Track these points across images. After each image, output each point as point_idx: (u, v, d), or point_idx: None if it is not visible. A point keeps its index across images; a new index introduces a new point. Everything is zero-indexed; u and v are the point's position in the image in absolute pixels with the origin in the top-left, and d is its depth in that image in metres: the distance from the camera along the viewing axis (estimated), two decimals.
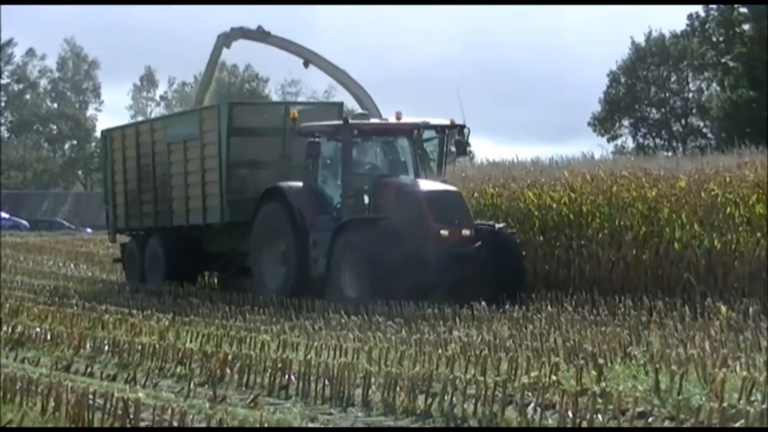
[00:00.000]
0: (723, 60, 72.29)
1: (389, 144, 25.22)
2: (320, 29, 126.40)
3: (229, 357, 14.00)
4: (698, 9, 74.89)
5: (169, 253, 28.60)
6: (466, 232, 22.69)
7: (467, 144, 25.13)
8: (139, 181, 30.27)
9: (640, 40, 77.58)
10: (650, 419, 9.90)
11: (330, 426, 10.59)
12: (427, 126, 24.68)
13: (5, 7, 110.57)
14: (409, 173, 24.78)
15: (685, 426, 8.10)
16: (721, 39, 72.59)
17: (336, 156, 24.40)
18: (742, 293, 20.81)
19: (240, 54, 33.70)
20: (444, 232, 22.36)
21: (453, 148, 24.89)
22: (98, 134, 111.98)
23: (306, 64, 34.44)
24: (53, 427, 8.29)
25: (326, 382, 12.38)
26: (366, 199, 24.02)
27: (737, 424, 9.11)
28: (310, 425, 10.30)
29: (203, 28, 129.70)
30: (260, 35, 34.87)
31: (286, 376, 12.94)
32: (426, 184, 23.99)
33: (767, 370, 11.85)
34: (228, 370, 13.64)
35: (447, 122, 24.67)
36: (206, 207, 27.37)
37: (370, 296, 20.98)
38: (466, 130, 24.45)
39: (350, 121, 24.64)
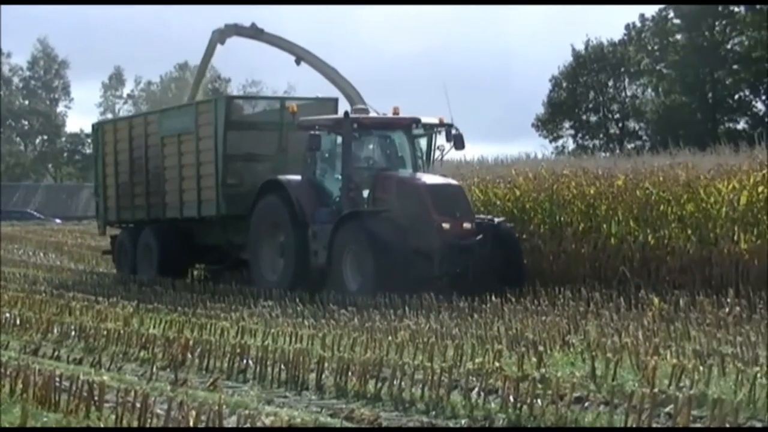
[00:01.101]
0: (657, 67, 72.73)
1: (388, 138, 24.42)
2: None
3: (191, 342, 13.95)
4: (635, 19, 75.25)
5: (163, 246, 27.48)
6: (467, 225, 21.99)
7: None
8: (131, 174, 29.19)
9: (581, 47, 77.79)
10: (586, 404, 9.94)
11: (286, 408, 10.57)
12: (434, 123, 23.90)
13: None
14: (408, 167, 23.98)
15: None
16: (656, 47, 73.07)
17: (335, 149, 23.68)
18: (674, 286, 20.92)
19: (230, 50, 32.82)
20: (446, 225, 21.65)
21: (449, 144, 23.92)
22: (68, 130, 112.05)
23: (298, 62, 33.24)
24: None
25: (282, 366, 12.35)
26: (365, 193, 23.16)
27: (667, 409, 9.15)
28: (267, 408, 10.25)
29: (170, 30, 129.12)
30: (254, 32, 33.72)
31: (244, 361, 12.91)
32: (428, 178, 23.23)
33: (695, 358, 11.92)
34: (189, 355, 13.58)
35: (437, 120, 23.89)
36: (201, 200, 26.38)
37: (373, 288, 20.36)
38: (453, 130, 23.60)
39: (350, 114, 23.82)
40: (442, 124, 23.85)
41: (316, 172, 23.95)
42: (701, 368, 10.82)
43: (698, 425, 8.68)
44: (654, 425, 8.82)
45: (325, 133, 23.38)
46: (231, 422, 8.53)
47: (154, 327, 16.32)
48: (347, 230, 21.96)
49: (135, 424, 8.79)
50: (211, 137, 25.78)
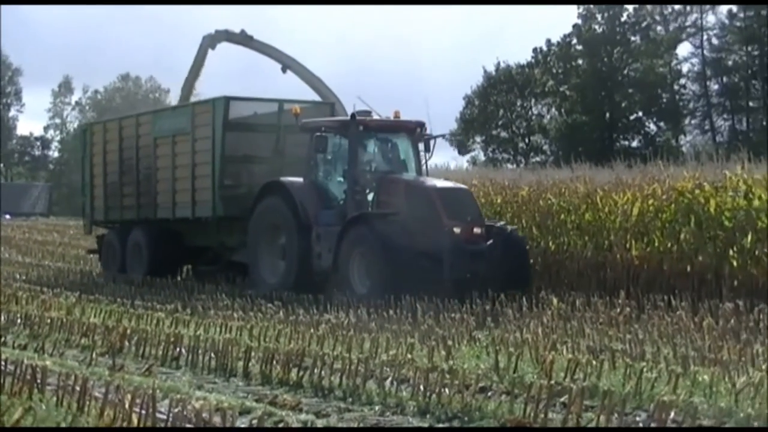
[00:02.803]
0: (561, 89, 73.23)
1: (392, 141, 22.57)
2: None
3: (128, 331, 13.89)
4: (542, 44, 75.68)
5: (153, 246, 25.82)
6: (477, 229, 20.33)
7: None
8: (120, 174, 27.41)
9: (491, 69, 78.19)
10: (490, 393, 9.98)
11: (215, 392, 10.52)
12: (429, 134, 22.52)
13: None
14: (411, 171, 22.23)
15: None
16: (559, 71, 73.52)
17: (339, 151, 22.03)
18: (571, 287, 21.10)
19: (220, 56, 31.75)
20: (457, 229, 19.95)
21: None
22: (19, 132, 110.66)
23: (284, 70, 31.56)
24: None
25: (212, 355, 12.31)
26: (369, 196, 21.47)
27: (562, 399, 9.21)
28: (197, 392, 10.21)
29: (116, 42, 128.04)
30: (243, 39, 32.11)
31: (178, 349, 12.84)
32: (436, 181, 21.76)
33: (589, 353, 12.01)
34: (126, 343, 13.51)
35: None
36: (196, 201, 24.65)
37: (382, 291, 18.57)
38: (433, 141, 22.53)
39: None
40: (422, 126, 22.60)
41: (319, 174, 22.34)
42: (594, 362, 10.91)
43: (590, 414, 8.74)
44: (550, 414, 8.88)
45: (330, 135, 21.79)
46: (164, 405, 8.47)
47: (94, 316, 16.20)
48: (356, 233, 20.30)
49: (75, 406, 8.72)
50: (208, 138, 24.26)
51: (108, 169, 28.03)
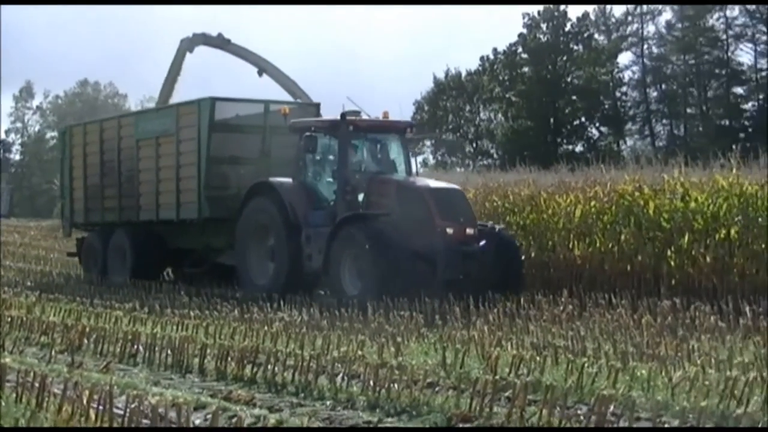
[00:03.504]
0: (507, 95, 73.42)
1: (382, 141, 21.70)
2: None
3: (87, 329, 13.80)
4: (489, 53, 75.89)
5: (136, 248, 24.64)
6: (470, 230, 19.59)
7: None
8: (101, 177, 26.29)
9: (441, 76, 78.34)
10: (437, 388, 9.99)
11: (169, 387, 10.47)
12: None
13: None
14: (401, 171, 21.42)
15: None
16: (506, 78, 73.76)
17: (329, 151, 21.23)
18: None
19: (198, 60, 31.06)
20: (450, 230, 19.21)
21: None
22: None
23: (260, 73, 30.54)
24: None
25: (169, 352, 12.26)
26: (360, 196, 20.59)
27: (506, 394, 9.24)
28: (154, 388, 10.16)
29: (76, 47, 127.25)
30: (220, 42, 31.21)
31: (135, 347, 12.78)
32: (429, 181, 21.23)
33: (533, 350, 12.05)
34: (85, 340, 13.43)
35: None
36: (181, 202, 23.61)
37: (374, 293, 17.82)
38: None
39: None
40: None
41: (308, 175, 21.43)
42: (537, 358, 10.94)
43: (533, 408, 8.77)
44: (495, 408, 8.90)
45: (320, 135, 20.96)
46: (121, 401, 8.43)
47: (54, 315, 16.07)
48: (347, 233, 19.41)
49: (33, 402, 8.65)
50: (194, 139, 23.25)
51: (88, 171, 27.04)
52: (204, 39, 31.55)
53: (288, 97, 28.88)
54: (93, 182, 26.74)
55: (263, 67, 30.69)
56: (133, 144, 25.27)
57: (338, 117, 20.97)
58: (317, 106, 24.78)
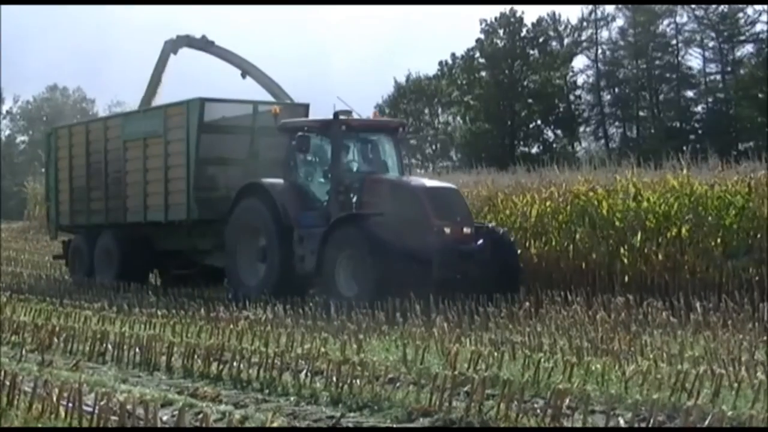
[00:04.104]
0: (465, 98, 73.48)
1: (373, 141, 20.88)
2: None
3: (57, 328, 13.76)
4: (447, 58, 75.97)
5: (123, 250, 23.86)
6: (467, 229, 18.90)
7: None
8: (87, 179, 25.39)
9: (402, 80, 78.37)
10: (398, 384, 10.00)
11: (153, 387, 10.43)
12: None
13: None
14: (394, 171, 20.62)
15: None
16: (464, 82, 73.83)
17: (321, 152, 20.47)
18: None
19: (182, 61, 30.39)
20: (447, 229, 18.54)
21: None
22: None
23: (243, 75, 29.63)
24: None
25: (137, 350, 12.23)
26: (352, 197, 19.84)
27: (465, 388, 9.26)
28: (122, 386, 10.13)
29: (44, 53, 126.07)
30: (204, 44, 30.31)
31: (104, 345, 12.74)
32: (424, 181, 20.64)
33: (491, 346, 12.09)
34: (55, 339, 13.38)
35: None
36: (169, 204, 22.83)
37: (371, 294, 17.20)
38: None
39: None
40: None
41: (299, 176, 20.67)
42: (495, 354, 10.99)
43: (491, 402, 8.80)
44: (454, 402, 8.93)
45: (312, 135, 20.15)
46: (90, 399, 8.39)
47: (24, 315, 16.00)
48: (343, 234, 18.70)
49: (4, 400, 8.60)
50: (182, 140, 22.45)
51: (74, 173, 26.14)
52: (187, 41, 30.79)
53: (272, 99, 28.10)
54: (79, 184, 25.96)
55: (246, 69, 29.93)
56: (120, 145, 24.51)
57: (330, 117, 20.32)
58: (306, 106, 24.05)
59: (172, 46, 30.80)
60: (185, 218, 22.47)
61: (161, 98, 30.10)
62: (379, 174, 20.28)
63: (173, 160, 22.80)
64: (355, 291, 18.06)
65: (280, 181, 20.50)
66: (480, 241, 18.97)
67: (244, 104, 23.21)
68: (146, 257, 24.02)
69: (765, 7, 63.71)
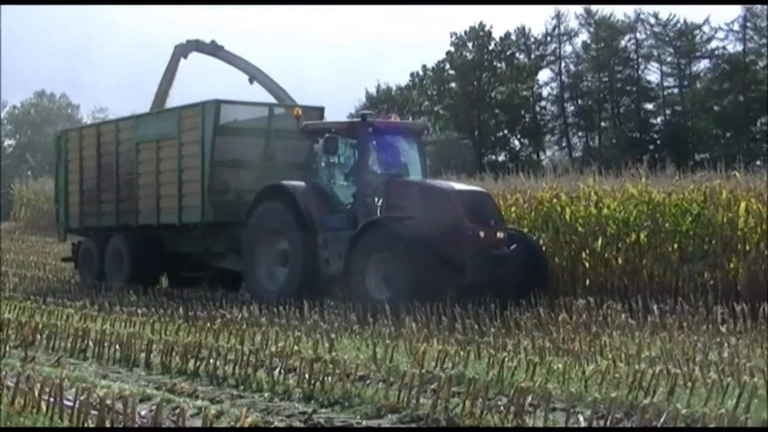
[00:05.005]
0: (435, 108, 73.58)
1: (397, 144, 19.92)
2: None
3: (40, 326, 13.67)
4: (418, 69, 76.03)
5: (134, 253, 22.78)
6: (500, 234, 18.03)
7: None
8: (98, 181, 24.36)
9: (373, 91, 78.40)
10: (368, 381, 9.99)
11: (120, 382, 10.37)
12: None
13: None
14: (417, 173, 19.76)
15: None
16: (434, 93, 73.95)
17: (344, 154, 19.46)
18: None
19: (191, 64, 29.74)
20: (482, 234, 17.64)
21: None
22: None
23: (251, 81, 28.38)
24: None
25: (117, 347, 12.18)
26: (378, 200, 18.91)
27: (432, 386, 9.25)
28: (102, 381, 10.06)
29: (30, 59, 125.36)
30: (213, 49, 29.16)
31: (85, 342, 12.69)
32: (454, 184, 19.66)
33: (458, 345, 12.08)
34: (38, 336, 13.30)
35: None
36: (183, 206, 21.82)
37: (405, 297, 16.20)
38: None
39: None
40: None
41: (322, 178, 19.72)
42: (461, 353, 10.99)
43: (456, 399, 8.79)
44: (421, 399, 8.92)
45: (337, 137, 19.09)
46: (71, 393, 8.34)
47: (8, 312, 15.91)
48: (375, 237, 17.69)
49: None
50: (197, 142, 21.47)
51: (84, 175, 25.04)
52: (197, 45, 29.66)
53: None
54: (89, 186, 24.91)
55: (254, 74, 28.74)
56: (132, 147, 23.50)
57: (358, 119, 19.41)
58: (321, 109, 23.03)
59: (182, 50, 29.73)
60: (199, 221, 21.57)
61: (171, 102, 29.29)
62: (406, 177, 19.45)
63: (187, 162, 21.91)
64: (387, 294, 17.05)
65: (302, 183, 19.52)
66: (513, 246, 18.20)
67: (259, 107, 22.58)
68: (158, 260, 23.02)
69: (720, 24, 64.19)
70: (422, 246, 17.03)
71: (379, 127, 19.47)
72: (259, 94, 26.98)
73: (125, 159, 23.65)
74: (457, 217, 17.70)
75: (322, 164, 19.76)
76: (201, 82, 28.51)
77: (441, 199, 18.20)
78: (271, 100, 26.65)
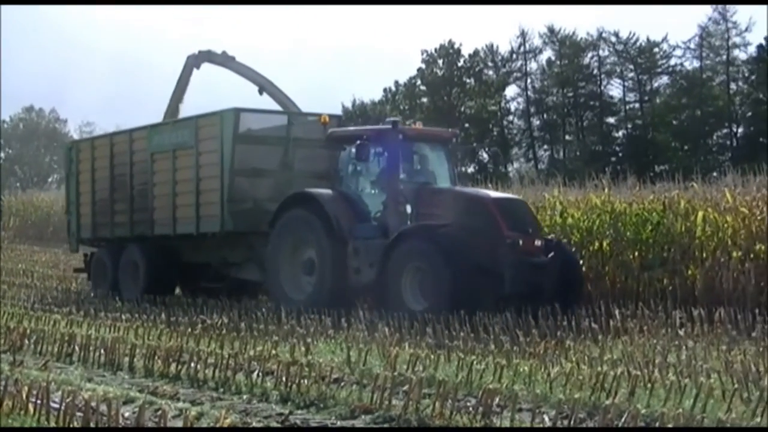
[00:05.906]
0: (408, 123, 73.71)
1: (426, 151, 18.84)
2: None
3: (27, 331, 13.63)
4: (391, 84, 76.13)
5: (150, 264, 21.52)
6: (538, 242, 16.93)
7: None
8: (111, 191, 23.11)
9: (348, 105, 78.43)
10: (342, 383, 9.99)
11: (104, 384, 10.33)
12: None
13: None
14: (445, 181, 18.65)
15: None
16: (406, 107, 74.04)
17: (373, 161, 18.11)
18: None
19: (202, 76, 28.99)
20: (520, 242, 16.47)
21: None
22: None
23: (261, 92, 27.08)
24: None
25: (102, 351, 12.13)
26: (408, 208, 17.65)
27: (404, 388, 9.26)
28: (87, 384, 10.03)
29: (21, 74, 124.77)
30: (224, 59, 27.98)
31: (71, 347, 12.63)
32: (489, 192, 18.77)
33: (428, 349, 12.09)
34: (26, 341, 13.24)
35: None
36: (200, 216, 20.58)
37: (444, 307, 15.21)
38: None
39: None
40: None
41: (349, 186, 18.51)
42: (432, 356, 10.99)
43: (427, 401, 8.80)
44: (393, 401, 8.92)
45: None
46: (57, 396, 8.31)
47: None
48: (411, 246, 16.49)
49: None
50: (216, 152, 20.33)
51: (97, 186, 23.73)
52: (208, 56, 28.35)
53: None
54: (102, 197, 23.60)
55: (263, 85, 27.45)
56: (146, 158, 22.21)
57: (388, 126, 18.43)
58: (339, 117, 22.31)
59: (195, 60, 28.36)
60: (218, 230, 20.29)
61: (183, 112, 28.57)
62: (436, 185, 18.36)
63: (205, 171, 20.71)
64: (424, 305, 16.00)
65: (328, 191, 18.40)
66: (551, 254, 17.03)
67: (277, 115, 21.98)
68: (174, 270, 21.75)
69: (678, 42, 64.63)
70: (460, 256, 16.04)
71: (408, 134, 18.51)
72: (267, 104, 26.66)
73: (139, 169, 22.50)
74: (496, 225, 16.59)
75: (350, 171, 18.63)
76: (196, 92, 27.85)
77: (478, 207, 17.11)
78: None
